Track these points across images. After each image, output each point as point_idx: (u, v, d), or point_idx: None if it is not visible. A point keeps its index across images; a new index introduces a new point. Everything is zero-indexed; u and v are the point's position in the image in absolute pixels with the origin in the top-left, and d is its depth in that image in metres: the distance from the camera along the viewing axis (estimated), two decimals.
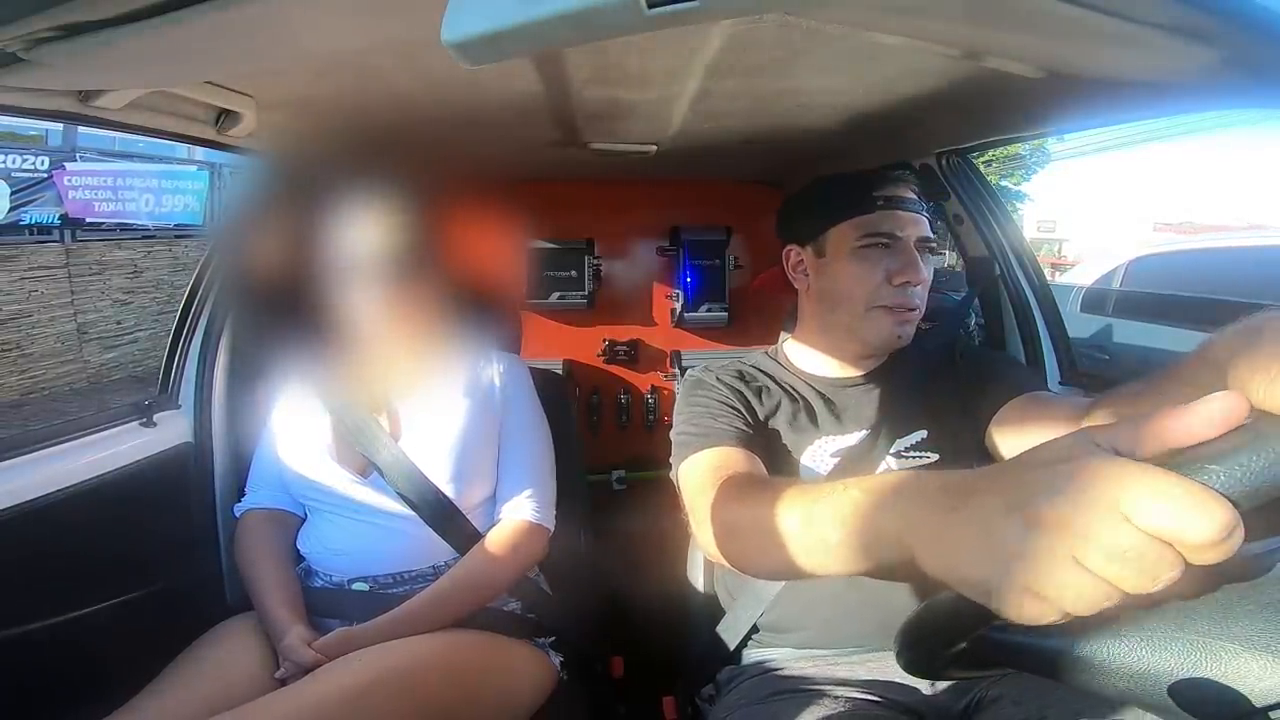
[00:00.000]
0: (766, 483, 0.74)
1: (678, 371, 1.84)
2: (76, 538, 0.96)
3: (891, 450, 0.92)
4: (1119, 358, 3.29)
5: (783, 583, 0.92)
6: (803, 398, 0.97)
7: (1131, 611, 0.35)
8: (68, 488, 0.96)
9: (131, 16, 0.50)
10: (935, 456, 0.92)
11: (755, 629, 0.96)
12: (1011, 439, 0.83)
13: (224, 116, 0.93)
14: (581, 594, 1.15)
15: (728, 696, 0.90)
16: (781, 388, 0.98)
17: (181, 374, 1.22)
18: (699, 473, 0.80)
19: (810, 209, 0.97)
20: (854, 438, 0.93)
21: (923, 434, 0.93)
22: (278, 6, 0.52)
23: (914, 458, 0.92)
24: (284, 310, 0.95)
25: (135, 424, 1.13)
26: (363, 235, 0.94)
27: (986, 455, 0.87)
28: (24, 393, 5.95)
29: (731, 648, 0.97)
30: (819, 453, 0.92)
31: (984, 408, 0.88)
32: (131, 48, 0.54)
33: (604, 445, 1.90)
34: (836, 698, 0.79)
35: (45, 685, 0.86)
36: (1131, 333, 3.31)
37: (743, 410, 0.91)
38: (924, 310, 0.94)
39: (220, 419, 1.24)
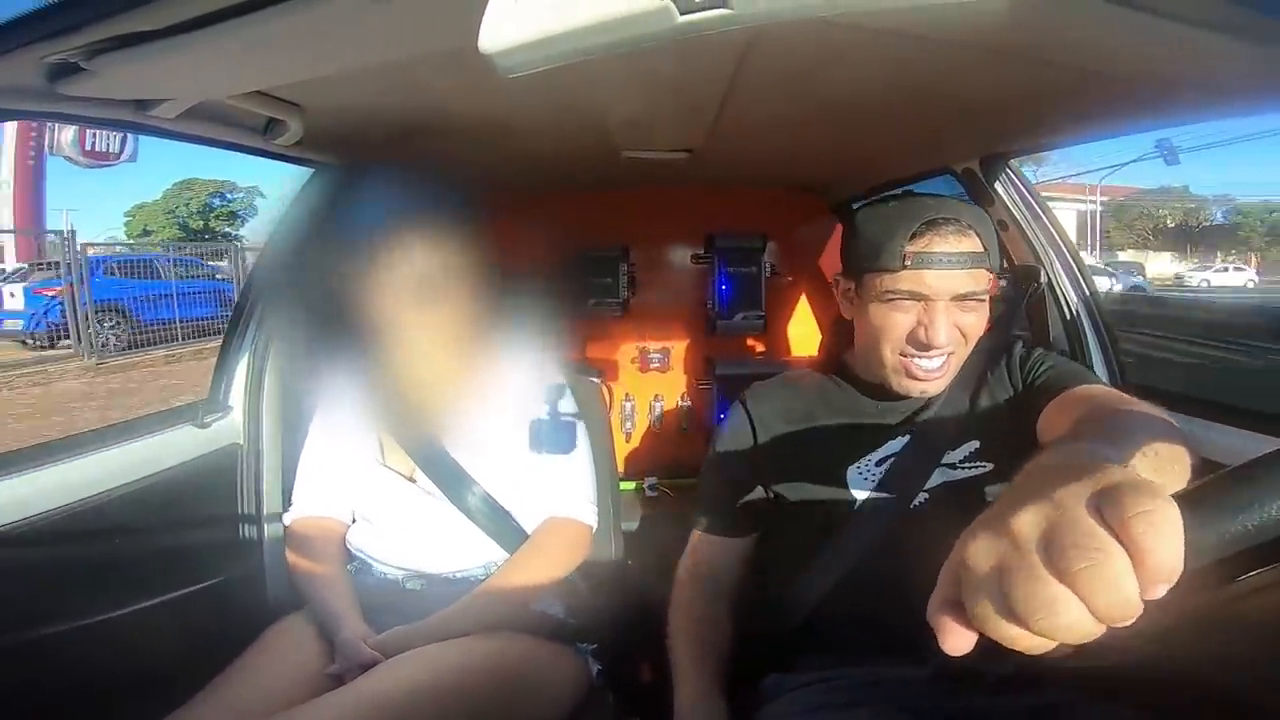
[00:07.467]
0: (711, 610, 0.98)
1: (712, 379, 1.82)
2: (131, 533, 1.00)
3: (943, 461, 0.90)
4: None
5: (819, 594, 0.90)
6: (851, 409, 0.96)
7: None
8: (125, 484, 1.01)
9: (185, 26, 0.52)
10: (989, 467, 0.89)
11: (806, 630, 0.93)
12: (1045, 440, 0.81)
13: (271, 125, 0.96)
14: (613, 600, 1.15)
15: (777, 703, 0.88)
16: (829, 400, 0.98)
17: (232, 377, 1.26)
18: (690, 556, 1.03)
19: (851, 248, 0.95)
20: (902, 449, 0.91)
21: (975, 444, 0.90)
22: (323, 16, 0.53)
23: (967, 469, 0.89)
24: (329, 319, 0.97)
25: (189, 425, 1.17)
26: (405, 243, 0.96)
27: None
28: None
29: (769, 656, 0.94)
30: (866, 465, 0.91)
31: (1033, 411, 0.86)
32: (186, 57, 0.57)
33: (637, 452, 1.90)
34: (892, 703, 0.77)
35: (96, 679, 0.88)
36: None
37: (759, 465, 0.98)
38: (961, 358, 0.91)
39: (268, 420, 1.27)
